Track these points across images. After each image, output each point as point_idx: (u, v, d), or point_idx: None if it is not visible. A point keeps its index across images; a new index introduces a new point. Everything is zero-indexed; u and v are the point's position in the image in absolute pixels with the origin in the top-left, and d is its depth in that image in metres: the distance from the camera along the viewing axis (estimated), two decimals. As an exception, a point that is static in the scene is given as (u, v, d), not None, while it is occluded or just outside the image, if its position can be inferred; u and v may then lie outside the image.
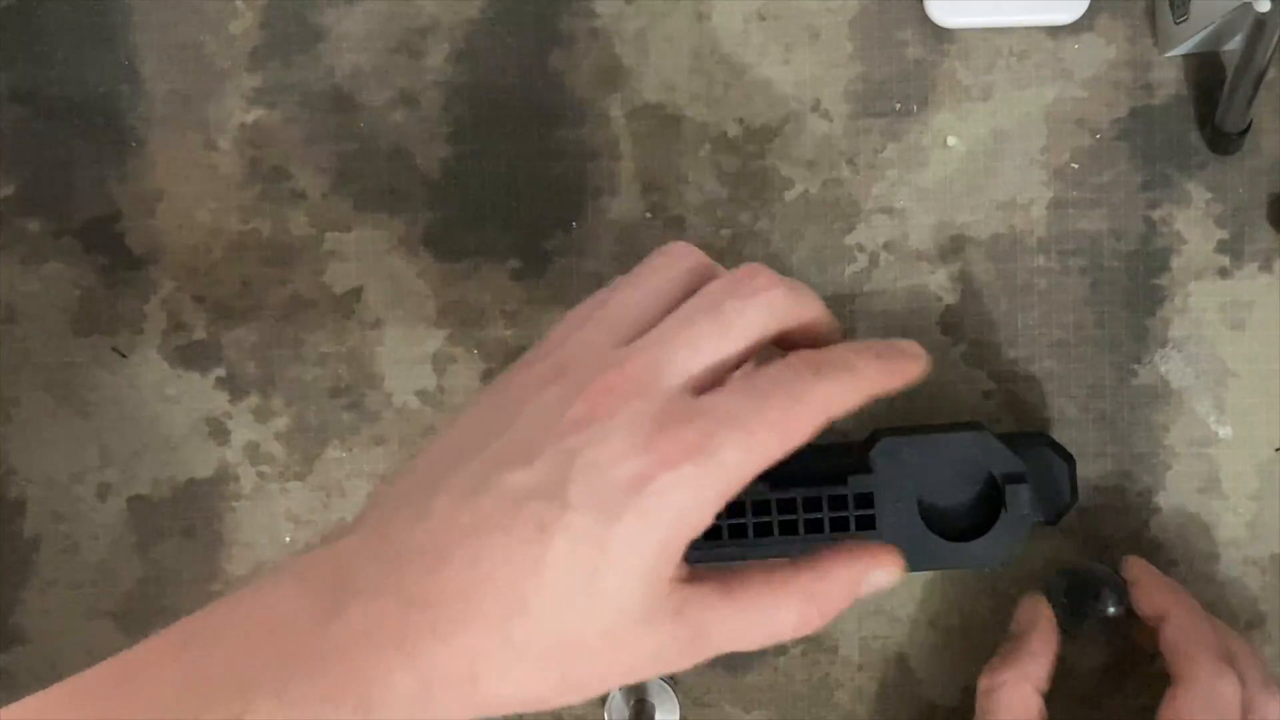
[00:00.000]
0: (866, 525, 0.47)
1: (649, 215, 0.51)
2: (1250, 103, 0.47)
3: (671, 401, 0.34)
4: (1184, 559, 0.51)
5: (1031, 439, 0.48)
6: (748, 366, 0.37)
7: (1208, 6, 0.46)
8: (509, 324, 0.52)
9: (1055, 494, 0.48)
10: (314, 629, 0.32)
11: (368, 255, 0.52)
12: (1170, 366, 0.51)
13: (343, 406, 0.52)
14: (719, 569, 0.35)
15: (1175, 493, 0.51)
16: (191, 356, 0.52)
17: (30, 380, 0.52)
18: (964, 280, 0.51)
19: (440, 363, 0.52)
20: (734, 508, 0.42)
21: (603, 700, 0.51)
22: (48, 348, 0.52)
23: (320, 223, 0.52)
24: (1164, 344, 0.51)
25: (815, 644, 0.52)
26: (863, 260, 0.51)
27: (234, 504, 0.52)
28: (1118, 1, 0.50)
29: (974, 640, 0.51)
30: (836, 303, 0.51)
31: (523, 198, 0.52)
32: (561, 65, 0.51)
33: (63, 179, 0.52)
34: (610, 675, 0.34)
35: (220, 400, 0.52)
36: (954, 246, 0.51)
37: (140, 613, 0.52)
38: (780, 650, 0.51)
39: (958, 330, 0.51)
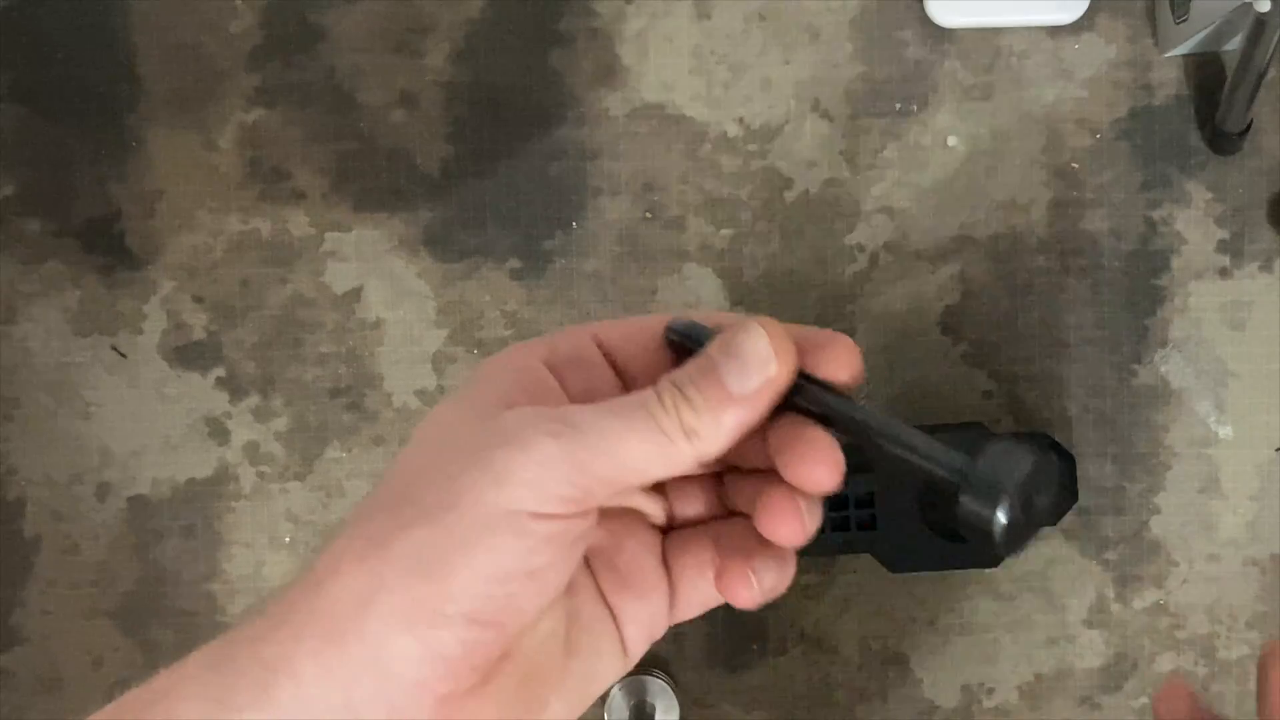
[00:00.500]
0: (867, 525, 0.47)
1: (649, 215, 0.51)
2: (1250, 103, 0.47)
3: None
4: (1184, 559, 0.51)
5: (1031, 439, 0.48)
6: None
7: (1208, 7, 0.46)
8: (509, 324, 0.52)
9: (1056, 494, 0.48)
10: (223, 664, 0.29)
11: (368, 255, 0.52)
12: (1170, 366, 0.51)
13: (343, 406, 0.52)
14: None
15: (1175, 493, 0.51)
16: (191, 356, 0.52)
17: (30, 380, 0.52)
18: (964, 280, 0.51)
19: (440, 363, 0.52)
20: None
21: (603, 700, 0.51)
22: (48, 348, 0.52)
23: (320, 223, 0.52)
24: (1164, 344, 0.51)
25: (815, 644, 0.52)
26: (863, 260, 0.51)
27: (234, 504, 0.52)
28: (1118, 1, 0.50)
29: (974, 640, 0.51)
30: (836, 303, 0.51)
31: (523, 198, 0.52)
32: (561, 65, 0.51)
33: (63, 179, 0.52)
34: (509, 596, 0.28)
35: (220, 400, 0.52)
36: (954, 246, 0.51)
37: (140, 613, 0.52)
38: (780, 650, 0.51)
39: (958, 330, 0.51)
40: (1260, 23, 0.43)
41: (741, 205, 0.51)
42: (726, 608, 0.50)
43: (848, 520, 0.47)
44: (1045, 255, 0.51)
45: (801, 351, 0.30)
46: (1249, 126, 0.49)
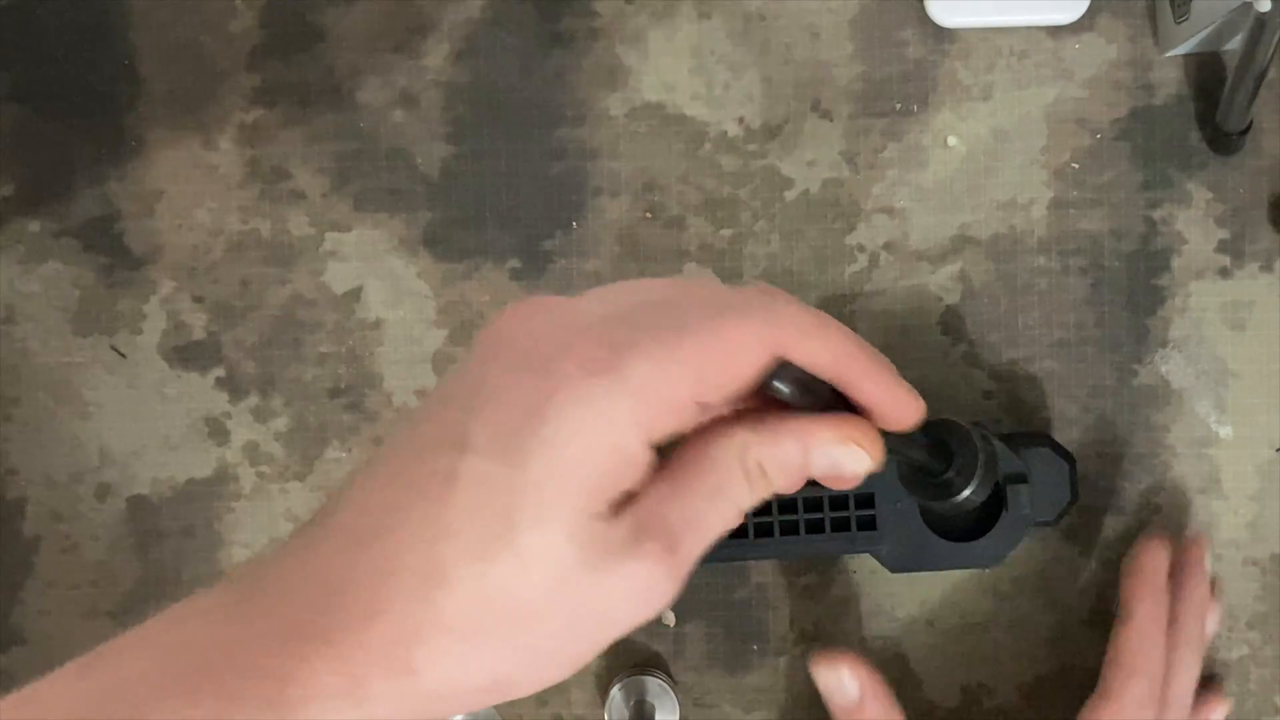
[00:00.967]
0: (867, 525, 0.47)
1: (649, 215, 0.51)
2: (1250, 103, 0.47)
3: (582, 326, 0.29)
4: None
5: (1032, 439, 0.48)
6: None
7: (1208, 6, 0.46)
8: (509, 324, 0.52)
9: (1055, 494, 0.48)
10: (221, 629, 0.28)
11: (368, 255, 0.52)
12: (1170, 366, 0.51)
13: (343, 406, 0.52)
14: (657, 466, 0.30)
15: (1175, 493, 0.51)
16: (191, 356, 0.52)
17: (30, 380, 0.52)
18: (964, 280, 0.51)
19: (440, 363, 0.52)
20: None
21: (603, 700, 0.51)
22: (48, 348, 0.52)
23: (320, 223, 0.52)
24: (1164, 344, 0.51)
25: (815, 644, 0.52)
26: (863, 260, 0.51)
27: (233, 504, 0.52)
28: (1118, 1, 0.50)
29: (974, 640, 0.51)
30: (836, 302, 0.51)
31: (523, 198, 0.52)
32: (561, 65, 0.51)
33: (63, 179, 0.52)
34: (579, 636, 0.29)
35: (220, 400, 0.52)
36: (954, 246, 0.51)
37: (140, 613, 0.52)
38: (780, 650, 0.51)
39: (958, 330, 0.51)
40: (1260, 23, 0.43)
41: (741, 205, 0.51)
42: (727, 608, 0.50)
43: (848, 520, 0.47)
44: (1045, 255, 0.51)
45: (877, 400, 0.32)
46: (1249, 126, 0.49)
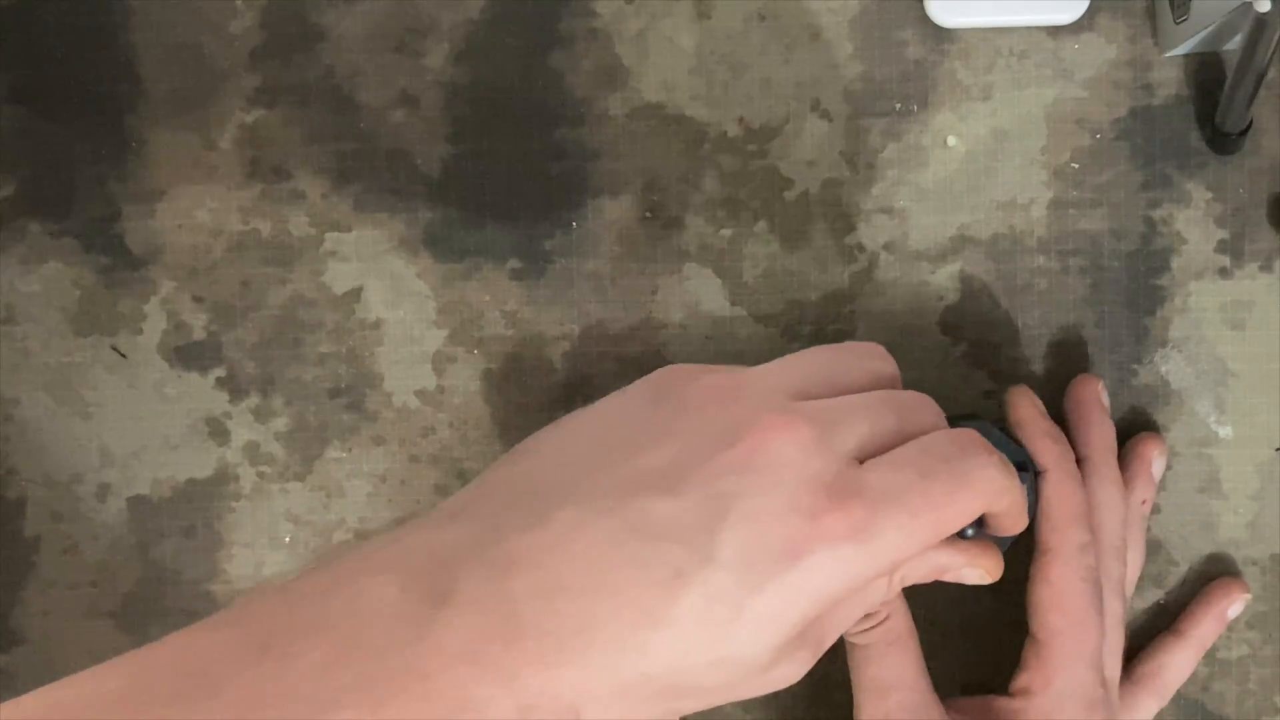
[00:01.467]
0: None
1: (649, 215, 0.51)
2: (1250, 103, 0.47)
3: (840, 468, 0.32)
4: (1184, 559, 0.51)
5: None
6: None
7: (1208, 6, 0.46)
8: (509, 324, 0.52)
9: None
10: (415, 637, 0.29)
11: (368, 255, 0.52)
12: (1170, 366, 0.51)
13: (343, 406, 0.52)
14: None
15: (1175, 493, 0.51)
16: (191, 356, 0.52)
17: (30, 380, 0.52)
18: (964, 280, 0.51)
19: (440, 363, 0.52)
20: None
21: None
22: (48, 348, 0.52)
23: (320, 223, 0.52)
24: (1164, 344, 0.51)
25: (815, 644, 0.52)
26: (863, 260, 0.51)
27: (234, 504, 0.52)
28: (1118, 1, 0.50)
29: (974, 640, 0.51)
30: (836, 302, 0.51)
31: (523, 198, 0.52)
32: (561, 65, 0.51)
33: (63, 179, 0.52)
34: (717, 703, 0.32)
35: (220, 400, 0.52)
36: (954, 246, 0.51)
37: (140, 613, 0.52)
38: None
39: (958, 330, 0.51)
40: (1260, 23, 0.43)
41: (741, 205, 0.51)
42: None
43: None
44: (1045, 255, 0.51)
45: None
46: (1249, 126, 0.49)
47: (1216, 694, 0.51)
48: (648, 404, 0.34)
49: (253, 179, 0.52)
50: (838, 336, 0.51)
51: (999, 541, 0.45)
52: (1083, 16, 0.50)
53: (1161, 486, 0.50)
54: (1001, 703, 0.45)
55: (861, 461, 0.33)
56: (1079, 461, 0.47)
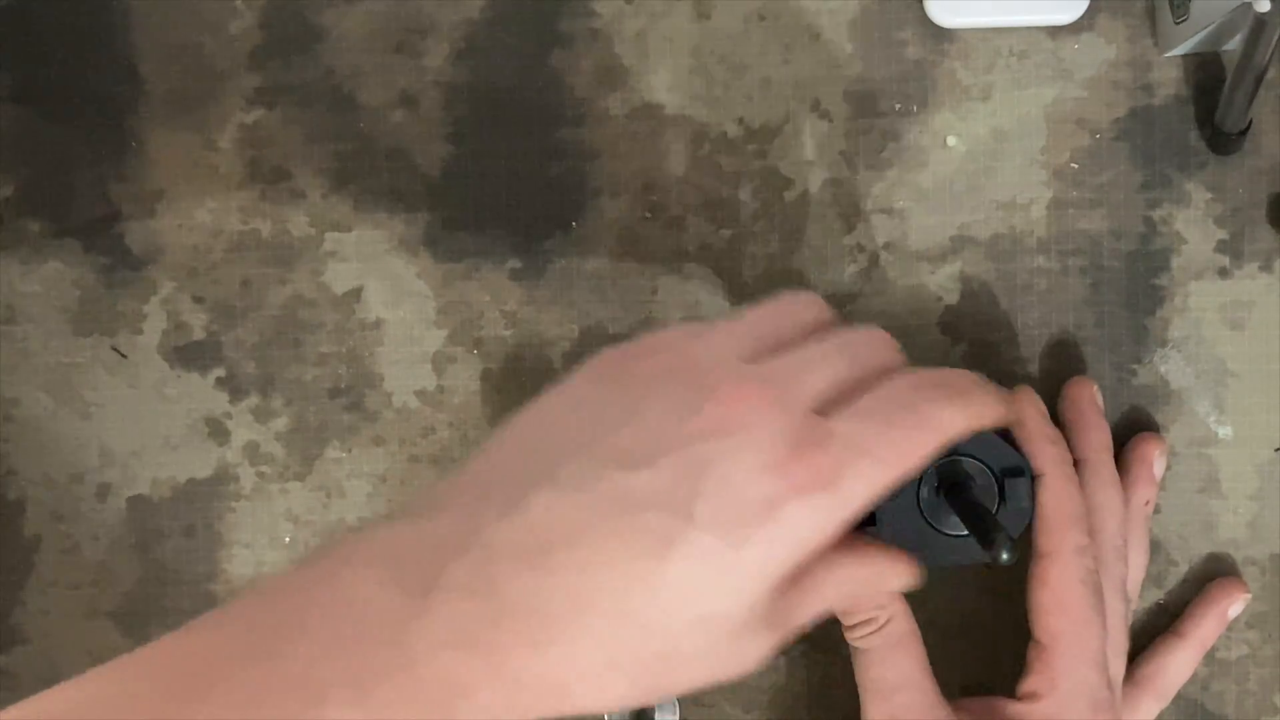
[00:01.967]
0: (867, 521, 0.47)
1: (649, 215, 0.51)
2: (1250, 103, 0.47)
3: (802, 422, 0.33)
4: (1184, 559, 0.51)
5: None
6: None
7: (1208, 6, 0.46)
8: (509, 324, 0.52)
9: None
10: (399, 628, 0.30)
11: (368, 255, 0.52)
12: (1170, 366, 0.51)
13: (342, 406, 0.52)
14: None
15: (1175, 493, 0.51)
16: (191, 356, 0.52)
17: (30, 380, 0.52)
18: (964, 280, 0.51)
19: (440, 363, 0.52)
20: None
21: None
22: (48, 348, 0.52)
23: (320, 223, 0.52)
24: (1164, 344, 0.51)
25: (815, 644, 0.52)
26: (863, 260, 0.51)
27: (234, 504, 0.52)
28: (1118, 1, 0.50)
29: (974, 640, 0.51)
30: (836, 302, 0.51)
31: (523, 198, 0.52)
32: (561, 65, 0.51)
33: (63, 179, 0.52)
34: (694, 681, 0.33)
35: (220, 400, 0.52)
36: (954, 246, 0.51)
37: (140, 613, 0.52)
38: (780, 650, 0.51)
39: (958, 330, 0.51)
40: (1260, 23, 0.43)
41: (741, 205, 0.51)
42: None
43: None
44: (1045, 255, 0.51)
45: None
46: (1249, 126, 0.49)
47: (1216, 694, 0.51)
48: (600, 388, 0.35)
49: (253, 179, 0.52)
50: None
51: (1009, 531, 0.45)
52: (1083, 16, 0.50)
53: (1161, 486, 0.50)
54: (1009, 706, 0.45)
55: (825, 412, 0.34)
56: (1076, 464, 0.47)
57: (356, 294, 0.52)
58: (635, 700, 0.32)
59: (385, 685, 0.29)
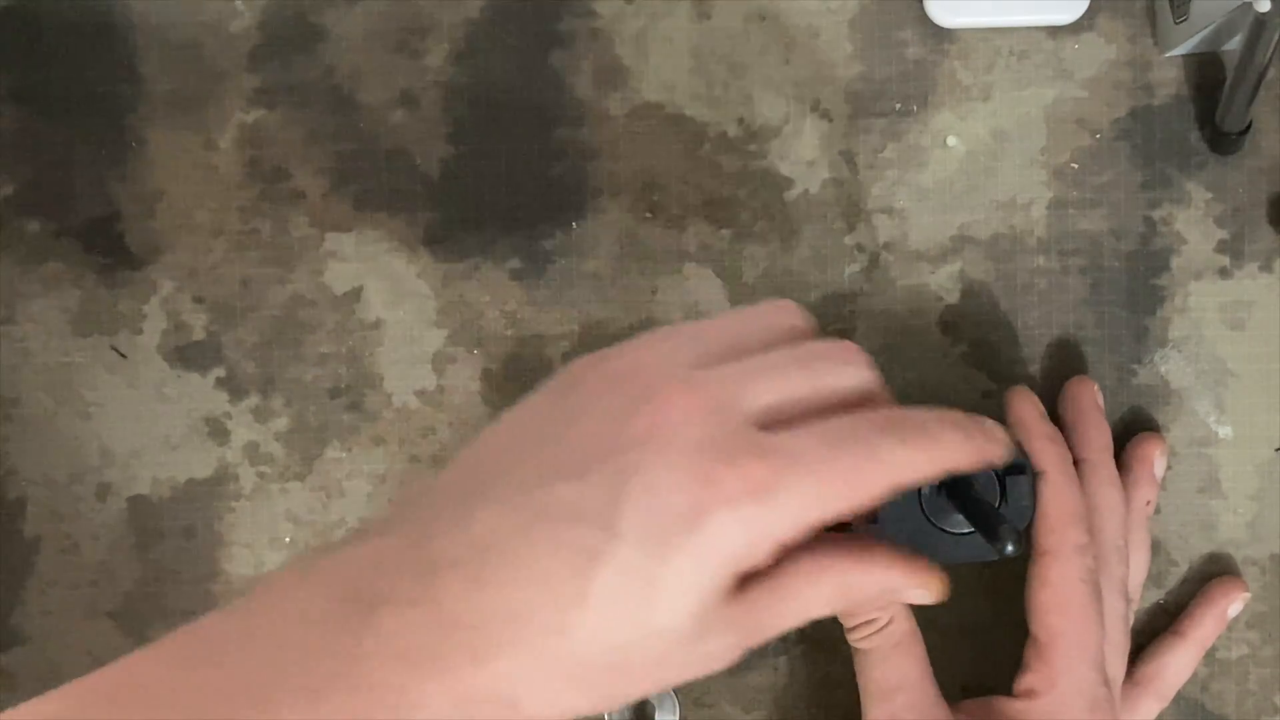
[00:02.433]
0: (869, 519, 0.47)
1: (649, 215, 0.51)
2: (1250, 103, 0.47)
3: (740, 431, 0.32)
4: (1184, 559, 0.51)
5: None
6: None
7: (1208, 6, 0.46)
8: (509, 324, 0.52)
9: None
10: (344, 639, 0.30)
11: (368, 255, 0.52)
12: (1170, 366, 0.51)
13: (342, 406, 0.52)
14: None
15: (1175, 493, 0.51)
16: (191, 356, 0.52)
17: (30, 380, 0.52)
18: (964, 280, 0.51)
19: (440, 363, 0.52)
20: None
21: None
22: (48, 348, 0.52)
23: (320, 223, 0.52)
24: (1164, 344, 0.51)
25: (815, 644, 0.52)
26: (863, 260, 0.51)
27: (234, 504, 0.52)
28: (1118, 1, 0.50)
29: (974, 640, 0.51)
30: (836, 302, 0.51)
31: (523, 198, 0.52)
32: (561, 65, 0.51)
33: (63, 179, 0.52)
34: (652, 686, 0.33)
35: (220, 400, 0.52)
36: (954, 246, 0.51)
37: (140, 613, 0.52)
38: (780, 650, 0.51)
39: (958, 330, 0.51)
40: (1260, 23, 0.43)
41: (741, 205, 0.51)
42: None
43: (847, 520, 0.47)
44: (1045, 255, 0.51)
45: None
46: (1249, 126, 0.49)
47: (1216, 694, 0.51)
48: (556, 398, 0.34)
49: (253, 179, 0.52)
50: (837, 336, 0.51)
51: (1013, 536, 0.45)
52: (1083, 16, 0.50)
53: (1161, 486, 0.50)
54: (1006, 704, 0.45)
55: (768, 427, 0.33)
56: (1077, 463, 0.47)
57: (356, 294, 0.52)
58: (594, 709, 0.32)
59: (336, 694, 0.29)
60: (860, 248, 0.51)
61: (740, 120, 0.51)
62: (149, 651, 0.31)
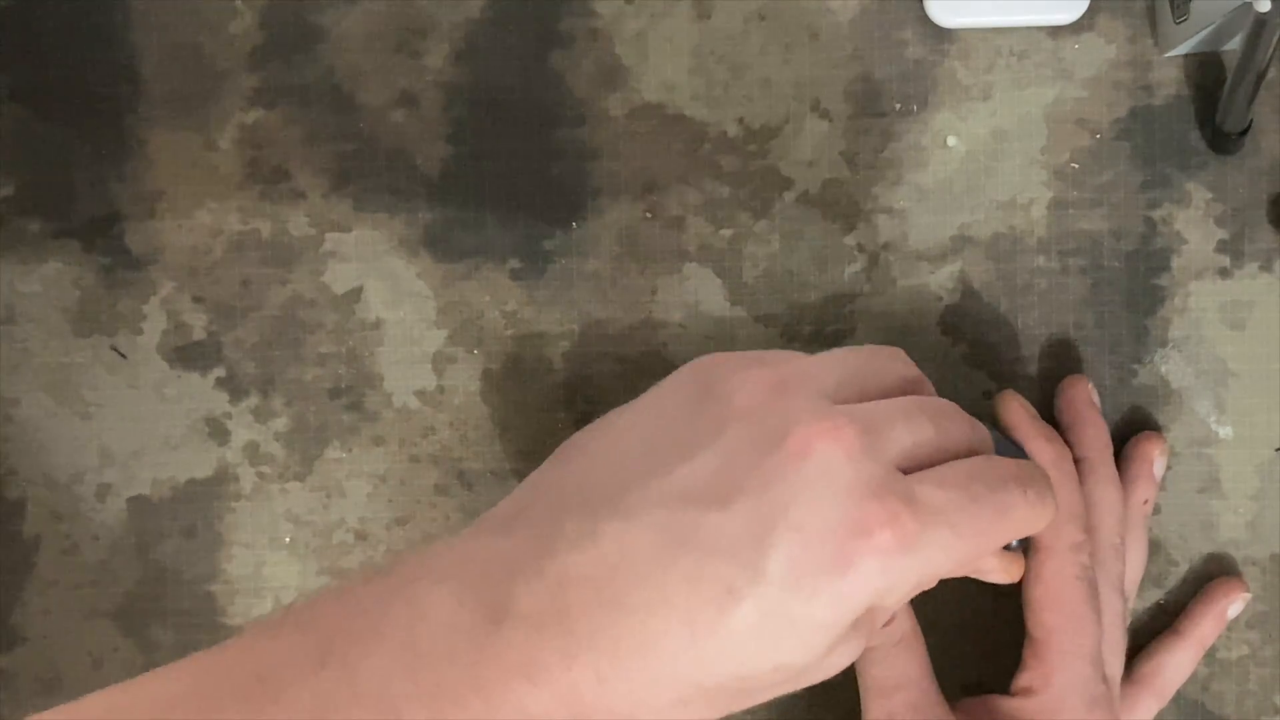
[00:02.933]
0: None
1: (649, 215, 0.51)
2: (1250, 103, 0.47)
3: (890, 476, 0.32)
4: (1184, 559, 0.51)
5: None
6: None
7: (1208, 6, 0.46)
8: (509, 324, 0.52)
9: None
10: (473, 651, 0.30)
11: (368, 255, 0.52)
12: (1170, 366, 0.51)
13: (342, 406, 0.52)
14: None
15: (1175, 493, 0.51)
16: (191, 356, 0.52)
17: (30, 380, 0.52)
18: (964, 280, 0.51)
19: (440, 363, 0.52)
20: None
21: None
22: (48, 348, 0.52)
23: (320, 223, 0.52)
24: (1164, 344, 0.51)
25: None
26: (863, 260, 0.51)
27: (234, 504, 0.52)
28: (1118, 1, 0.50)
29: (974, 640, 0.51)
30: (836, 302, 0.51)
31: (523, 198, 0.52)
32: (561, 65, 0.51)
33: (63, 179, 0.52)
34: (773, 696, 0.33)
35: (220, 400, 0.52)
36: (954, 246, 0.51)
37: (140, 613, 0.52)
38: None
39: (958, 330, 0.51)
40: (1260, 23, 0.43)
41: (741, 205, 0.51)
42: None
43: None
44: (1045, 255, 0.51)
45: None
46: (1249, 126, 0.49)
47: (1216, 694, 0.51)
48: (692, 401, 0.34)
49: (253, 179, 0.52)
50: (837, 336, 0.51)
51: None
52: (1083, 16, 0.50)
53: (1161, 486, 0.50)
54: (1004, 702, 0.45)
55: (906, 471, 0.33)
56: (1076, 462, 0.47)
57: (356, 294, 0.52)
58: None
59: (459, 707, 0.29)
60: (860, 248, 0.51)
61: (740, 120, 0.51)
62: (272, 633, 0.31)
